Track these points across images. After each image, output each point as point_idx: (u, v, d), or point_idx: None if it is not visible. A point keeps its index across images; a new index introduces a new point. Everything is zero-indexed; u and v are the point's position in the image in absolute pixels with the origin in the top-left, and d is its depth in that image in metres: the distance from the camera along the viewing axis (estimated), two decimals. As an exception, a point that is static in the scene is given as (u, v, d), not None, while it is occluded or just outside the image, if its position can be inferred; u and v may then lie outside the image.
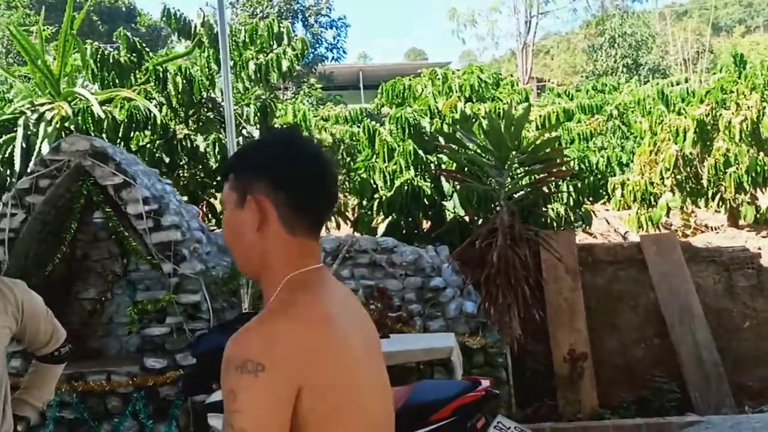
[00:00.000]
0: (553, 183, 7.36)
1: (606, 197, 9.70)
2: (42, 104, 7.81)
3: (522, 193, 6.78)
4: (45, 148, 7.13)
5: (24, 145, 7.39)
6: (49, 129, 7.23)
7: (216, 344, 3.58)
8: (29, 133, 7.53)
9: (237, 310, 6.02)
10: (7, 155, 7.54)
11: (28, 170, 5.85)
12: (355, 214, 8.92)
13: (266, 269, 1.30)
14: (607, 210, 10.58)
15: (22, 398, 2.21)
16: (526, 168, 6.73)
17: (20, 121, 7.58)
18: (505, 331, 6.20)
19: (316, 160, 1.30)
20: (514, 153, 6.43)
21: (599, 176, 9.18)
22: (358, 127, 13.25)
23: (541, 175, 6.67)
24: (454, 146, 7.21)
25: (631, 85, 15.85)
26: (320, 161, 1.31)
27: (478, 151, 6.77)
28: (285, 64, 8.10)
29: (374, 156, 8.48)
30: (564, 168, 6.93)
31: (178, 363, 5.39)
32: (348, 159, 13.48)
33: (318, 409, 1.18)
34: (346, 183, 12.34)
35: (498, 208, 7.09)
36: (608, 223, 10.26)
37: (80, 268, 6.21)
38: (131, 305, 5.76)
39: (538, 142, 6.73)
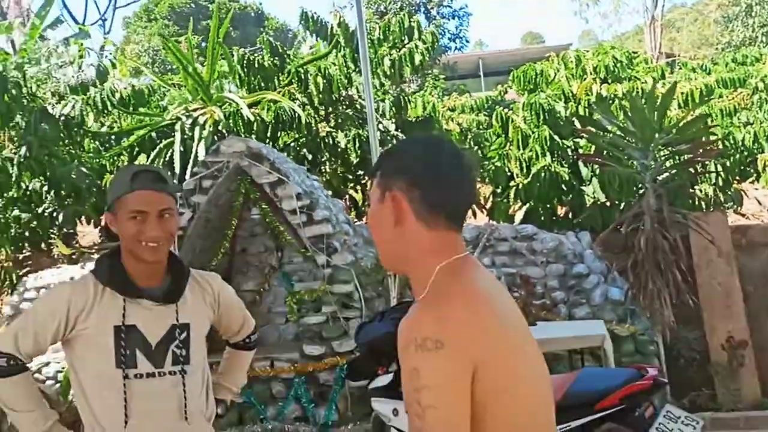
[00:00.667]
0: (700, 163, 6.97)
1: (754, 175, 9.07)
2: (195, 109, 8.29)
3: (667, 174, 6.47)
4: (201, 151, 7.59)
5: (182, 149, 7.89)
6: (204, 132, 7.67)
7: (378, 332, 3.69)
8: (185, 137, 8.02)
9: (384, 300, 6.16)
10: (167, 159, 8.07)
11: (192, 171, 6.23)
12: (490, 203, 8.86)
13: (410, 263, 1.33)
14: (756, 189, 9.89)
15: (219, 382, 2.36)
16: (672, 148, 6.42)
17: (177, 127, 8.09)
18: (656, 318, 5.96)
19: (454, 162, 1.33)
20: (658, 134, 6.16)
21: (746, 153, 8.60)
22: (486, 115, 13.14)
23: (688, 156, 6.34)
24: (592, 129, 6.99)
25: (775, 55, 14.67)
26: (459, 164, 1.34)
27: (619, 133, 6.53)
28: (417, 58, 8.16)
29: (507, 144, 8.38)
30: (712, 147, 6.55)
31: (334, 350, 5.59)
32: (476, 148, 13.42)
33: (487, 389, 1.19)
34: (479, 172, 12.29)
35: (642, 192, 6.81)
36: (759, 203, 9.59)
37: (240, 261, 6.56)
38: (288, 296, 6.02)
39: (683, 120, 6.41)
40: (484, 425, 1.19)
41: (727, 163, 7.69)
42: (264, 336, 6.47)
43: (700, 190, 7.63)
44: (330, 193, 7.17)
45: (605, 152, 6.95)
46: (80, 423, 2.03)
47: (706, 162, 7.34)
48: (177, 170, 7.78)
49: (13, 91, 8.07)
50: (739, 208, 8.06)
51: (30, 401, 1.99)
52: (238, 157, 5.85)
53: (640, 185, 7.04)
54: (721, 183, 7.69)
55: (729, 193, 7.76)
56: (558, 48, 14.61)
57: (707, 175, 7.63)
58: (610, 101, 7.79)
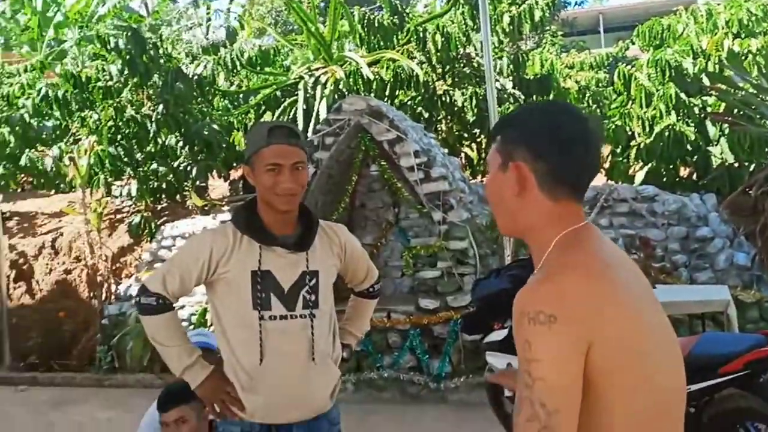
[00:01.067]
0: None
1: None
2: (317, 69, 8.50)
3: (805, 135, 6.05)
4: (322, 109, 7.80)
5: (304, 107, 8.14)
6: (325, 91, 7.87)
7: (494, 288, 3.74)
8: (308, 95, 8.26)
9: (499, 257, 6.18)
10: (290, 117, 8.36)
11: (315, 129, 6.43)
12: (608, 163, 8.58)
13: (531, 231, 1.30)
14: None
15: (344, 328, 2.46)
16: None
17: (300, 86, 8.34)
18: (785, 285, 5.66)
19: (579, 131, 1.28)
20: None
21: None
22: (606, 73, 12.61)
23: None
24: (723, 87, 6.60)
25: None
26: (584, 133, 1.29)
27: (752, 91, 6.14)
28: (537, 15, 7.95)
29: (630, 102, 8.05)
30: None
31: (449, 304, 5.68)
32: (595, 106, 12.96)
33: (608, 365, 1.15)
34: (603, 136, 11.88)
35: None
36: None
37: (359, 216, 6.76)
38: (404, 250, 6.16)
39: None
40: (601, 402, 1.17)
41: None
42: (380, 289, 6.66)
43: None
44: (446, 151, 7.20)
45: (736, 111, 6.56)
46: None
47: None
48: (300, 127, 8.04)
49: (151, 53, 8.57)
50: None
51: (177, 337, 2.16)
52: (359, 115, 5.98)
53: (770, 147, 6.63)
54: None
55: None
56: (685, 2, 13.74)
57: None
58: (743, 57, 7.30)
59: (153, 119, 8.71)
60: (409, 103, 8.36)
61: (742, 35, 7.94)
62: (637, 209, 6.56)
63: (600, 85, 12.08)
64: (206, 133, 8.66)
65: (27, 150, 9.46)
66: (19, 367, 7.38)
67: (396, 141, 5.91)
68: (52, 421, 5.62)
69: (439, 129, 8.13)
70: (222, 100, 9.80)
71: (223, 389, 2.10)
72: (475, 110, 7.74)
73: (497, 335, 3.77)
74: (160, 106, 8.55)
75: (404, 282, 6.60)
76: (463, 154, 8.30)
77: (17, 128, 9.20)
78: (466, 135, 8.13)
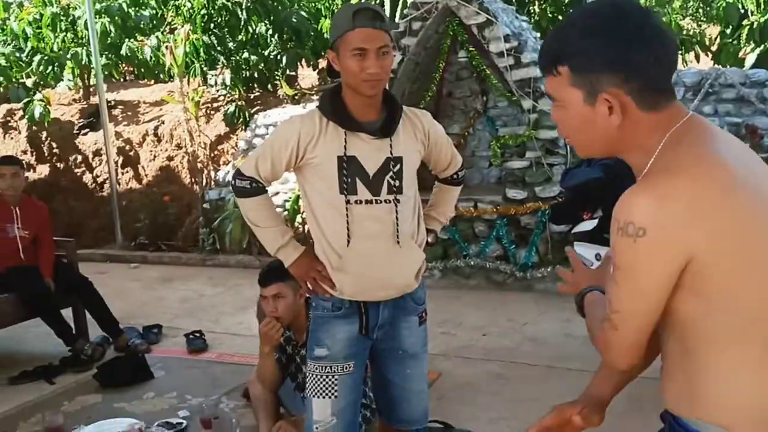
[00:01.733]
0: None
1: None
2: (405, -50, 8.08)
3: None
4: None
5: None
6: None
7: (585, 177, 3.61)
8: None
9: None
10: (377, 1, 8.09)
11: (402, 13, 6.20)
12: (716, 45, 7.93)
13: (632, 149, 1.19)
14: None
15: (429, 213, 2.46)
16: None
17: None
18: None
19: (651, 28, 1.14)
20: None
21: None
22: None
23: None
24: None
25: None
26: (655, 28, 1.14)
27: None
28: None
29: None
30: None
31: (537, 195, 5.56)
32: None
33: (712, 278, 1.09)
34: (705, 10, 10.93)
35: None
36: None
37: (446, 105, 6.60)
38: (491, 140, 6.01)
39: None
40: (713, 309, 1.11)
41: None
42: (468, 178, 6.56)
43: None
44: (538, 35, 6.82)
45: None
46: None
47: None
48: (387, 12, 7.79)
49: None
50: None
51: (270, 218, 2.24)
52: (448, -2, 5.70)
53: None
54: None
55: None
56: None
57: None
58: None
59: (243, 7, 8.65)
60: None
61: None
62: (745, 95, 6.07)
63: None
64: (295, 20, 8.55)
65: (127, 40, 9.67)
66: (130, 246, 7.91)
67: (486, 25, 5.63)
68: (161, 296, 6.06)
69: (532, 11, 7.67)
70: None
71: (314, 267, 2.18)
72: (572, -10, 7.23)
73: (587, 225, 3.67)
74: (254, -7, 8.45)
75: (492, 172, 6.49)
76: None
77: (116, 18, 9.37)
78: (560, 18, 7.64)
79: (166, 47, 8.63)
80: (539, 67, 1.29)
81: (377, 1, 8.05)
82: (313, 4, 9.22)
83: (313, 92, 8.74)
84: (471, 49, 5.88)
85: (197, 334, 4.58)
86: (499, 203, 5.69)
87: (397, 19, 6.82)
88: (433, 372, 3.56)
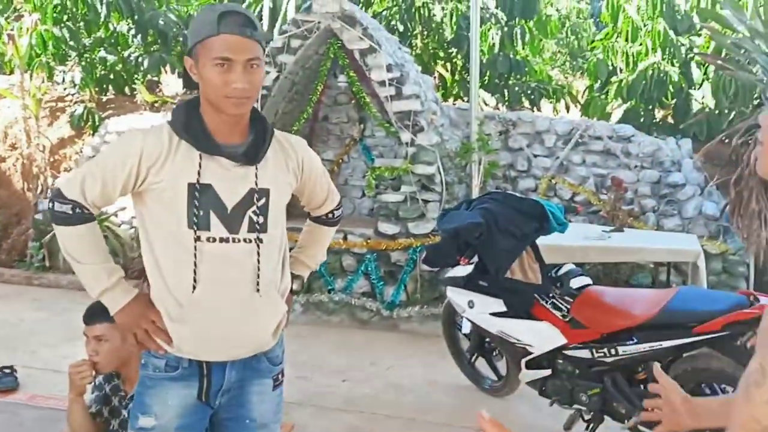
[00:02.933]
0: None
1: None
2: (289, -36, 7.82)
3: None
4: (291, 9, 7.22)
5: (271, 5, 7.53)
6: (296, -11, 7.26)
7: (464, 221, 3.44)
8: (275, -7, 7.64)
9: (466, 186, 5.89)
10: (255, 14, 7.73)
11: (282, 29, 5.91)
12: (585, 98, 8.28)
13: None
14: None
15: (296, 257, 2.16)
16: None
17: (268, -20, 7.69)
18: (752, 240, 5.51)
19: None
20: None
21: None
22: (588, 4, 12.15)
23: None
24: (717, 26, 6.26)
25: None
26: None
27: (747, 34, 5.82)
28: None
29: (615, 35, 7.68)
30: None
31: (409, 231, 5.41)
32: (573, 38, 12.51)
33: None
34: (577, 62, 11.51)
35: (758, 102, 6.17)
36: None
37: (321, 129, 6.34)
38: (366, 170, 5.80)
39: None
40: None
41: None
42: (341, 215, 6.35)
43: (825, 109, 6.89)
44: (419, 68, 6.76)
45: (725, 55, 6.26)
46: None
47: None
48: (265, 28, 7.46)
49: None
50: None
51: (94, 253, 1.82)
52: (331, 19, 5.47)
53: (757, 96, 6.37)
54: None
55: None
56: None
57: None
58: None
59: (104, 2, 7.98)
60: (384, 13, 7.81)
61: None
62: (611, 148, 6.30)
63: (581, 16, 11.64)
64: (162, 22, 7.99)
65: (-39, 22, 8.63)
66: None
67: (368, 51, 5.45)
68: (-27, 319, 5.25)
69: (414, 44, 7.64)
70: (182, -12, 9.05)
71: (147, 317, 1.80)
72: (455, 27, 7.27)
73: (461, 270, 3.49)
74: (113, -12, 7.82)
75: (364, 203, 6.28)
76: (436, 74, 7.85)
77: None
78: (441, 54, 7.67)
79: (8, 35, 7.76)
80: None
81: (256, 13, 7.69)
82: (185, 8, 8.68)
83: (176, 101, 8.17)
84: (352, 74, 5.67)
85: (7, 370, 3.93)
86: (369, 237, 5.47)
87: (275, 35, 6.49)
88: (285, 424, 3.23)
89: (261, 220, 1.80)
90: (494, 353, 3.99)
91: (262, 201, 1.80)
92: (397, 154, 5.94)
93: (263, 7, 7.46)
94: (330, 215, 2.15)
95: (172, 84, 9.44)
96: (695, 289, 4.08)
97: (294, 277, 2.08)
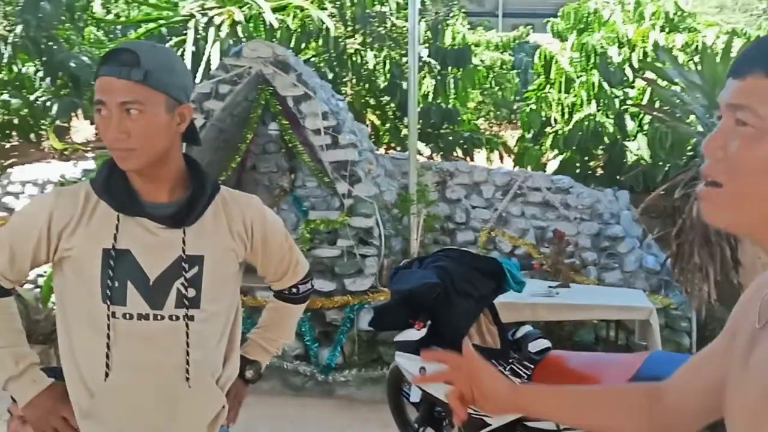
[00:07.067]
0: None
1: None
2: (212, 8, 7.67)
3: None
4: (215, 54, 7.04)
5: (194, 50, 7.33)
6: (220, 34, 7.10)
7: (418, 282, 3.29)
8: (198, 37, 7.45)
9: (403, 240, 5.77)
10: (176, 58, 7.51)
11: (209, 74, 5.71)
12: (517, 148, 8.39)
13: None
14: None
15: (253, 339, 1.91)
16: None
17: (190, 24, 7.51)
18: (694, 294, 5.59)
19: None
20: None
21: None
22: (510, 55, 12.54)
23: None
24: (655, 78, 6.45)
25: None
26: None
27: (683, 85, 6.02)
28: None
29: (548, 86, 7.85)
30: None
31: (346, 288, 5.22)
32: (497, 88, 12.82)
33: None
34: (501, 112, 11.75)
35: (692, 154, 6.36)
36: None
37: (249, 179, 6.13)
38: (303, 224, 5.60)
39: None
40: None
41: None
42: (310, 290, 6.09)
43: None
44: (352, 116, 6.68)
45: (659, 105, 6.47)
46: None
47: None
48: (190, 70, 7.23)
49: (12, -38, 7.45)
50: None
51: (3, 336, 1.60)
52: (262, 64, 5.32)
53: (691, 148, 6.58)
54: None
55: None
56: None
57: None
58: (668, 51, 7.26)
59: (9, 41, 7.58)
60: (313, 59, 7.73)
61: (667, 29, 7.91)
62: (550, 200, 6.34)
63: (504, 67, 11.94)
64: (73, 65, 7.64)
65: None
66: None
67: (303, 98, 5.31)
68: None
69: (344, 92, 7.57)
70: (96, 29, 8.75)
71: (57, 414, 1.57)
72: (388, 75, 7.25)
73: (413, 334, 3.32)
74: (19, 27, 7.46)
75: (296, 259, 6.05)
76: (369, 122, 7.80)
77: None
78: (373, 101, 7.63)
79: None
80: (739, 67, 0.89)
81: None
82: (98, 51, 8.36)
83: (89, 148, 7.78)
84: (284, 122, 5.50)
85: None
86: (303, 295, 5.22)
87: (198, 79, 6.28)
88: None
89: (192, 293, 1.56)
90: (444, 423, 3.81)
91: (194, 271, 1.57)
92: (329, 206, 5.78)
93: (186, 52, 7.25)
94: (294, 290, 1.88)
95: (83, 130, 9.03)
96: (665, 353, 4.03)
97: (248, 362, 1.84)
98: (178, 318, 1.55)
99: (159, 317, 1.54)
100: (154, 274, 1.53)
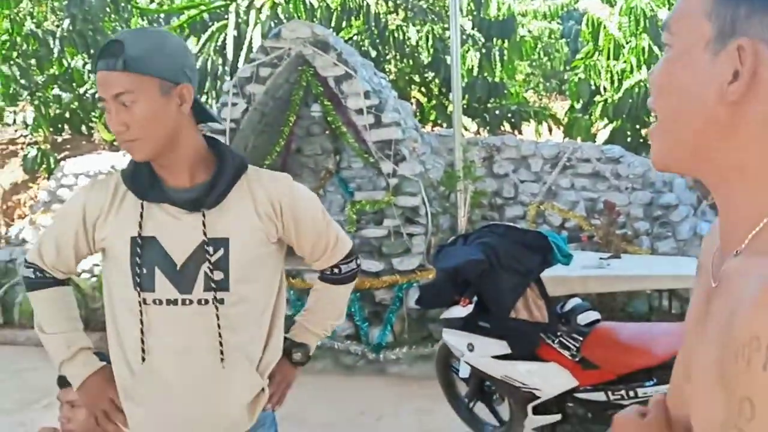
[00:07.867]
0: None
1: None
2: (252, -9, 7.75)
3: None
4: (256, 37, 7.11)
5: (236, 34, 7.42)
6: (261, 17, 7.16)
7: (463, 258, 3.29)
8: (240, 20, 7.53)
9: (451, 217, 5.77)
10: (219, 44, 7.62)
11: (250, 58, 5.78)
12: (567, 119, 8.26)
13: (738, 171, 0.76)
14: None
15: (300, 322, 1.88)
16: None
17: (231, 9, 7.60)
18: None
19: None
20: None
21: None
22: (559, 24, 12.31)
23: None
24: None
25: None
26: None
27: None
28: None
29: (596, 53, 7.69)
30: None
31: (394, 267, 5.25)
32: (545, 59, 12.60)
33: None
34: (550, 83, 11.57)
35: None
36: None
37: (294, 162, 6.19)
38: (349, 205, 5.65)
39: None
40: None
41: None
42: (356, 269, 6.16)
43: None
44: (395, 94, 6.68)
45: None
46: None
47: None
48: (230, 57, 7.34)
49: (57, -42, 7.64)
50: None
51: (57, 321, 1.67)
52: (302, 45, 5.35)
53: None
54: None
55: None
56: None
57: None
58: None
59: (57, 36, 7.81)
60: (355, 38, 7.74)
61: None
62: (601, 171, 6.24)
63: (552, 36, 11.73)
64: (120, 56, 7.82)
65: None
66: None
67: (344, 78, 5.33)
68: None
69: (388, 69, 7.56)
70: (140, 19, 8.93)
71: (105, 395, 1.63)
72: (431, 51, 7.21)
73: (459, 311, 3.34)
74: (66, 22, 7.67)
75: (344, 239, 6.12)
76: (414, 100, 7.78)
77: None
78: (417, 78, 7.60)
79: (-46, 74, 7.56)
80: None
81: (218, 45, 7.57)
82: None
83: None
84: (327, 102, 5.53)
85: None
86: (352, 276, 5.29)
87: (241, 64, 6.36)
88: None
89: (219, 276, 1.57)
90: (495, 397, 3.83)
91: (219, 253, 1.57)
92: (376, 186, 5.80)
93: (228, 36, 7.34)
94: (336, 270, 1.83)
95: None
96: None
97: (296, 345, 1.83)
98: (207, 302, 1.56)
99: (188, 302, 1.56)
100: (180, 260, 1.55)
